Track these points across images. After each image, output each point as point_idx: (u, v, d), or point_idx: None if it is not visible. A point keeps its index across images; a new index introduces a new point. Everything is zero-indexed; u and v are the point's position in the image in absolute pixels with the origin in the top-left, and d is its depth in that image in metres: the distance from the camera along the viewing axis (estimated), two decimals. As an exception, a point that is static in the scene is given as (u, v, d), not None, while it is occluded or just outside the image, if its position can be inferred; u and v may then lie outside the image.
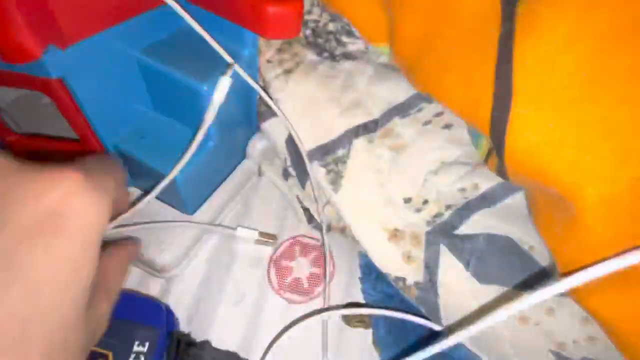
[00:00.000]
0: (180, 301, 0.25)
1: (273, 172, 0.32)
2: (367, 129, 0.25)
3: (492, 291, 0.21)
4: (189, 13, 0.19)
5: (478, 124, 0.18)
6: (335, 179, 0.24)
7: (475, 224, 0.21)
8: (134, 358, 0.19)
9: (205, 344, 0.23)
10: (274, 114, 0.29)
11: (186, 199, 0.25)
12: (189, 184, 0.24)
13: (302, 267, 0.28)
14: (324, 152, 0.25)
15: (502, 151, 0.17)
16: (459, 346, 0.21)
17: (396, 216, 0.23)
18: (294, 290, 0.26)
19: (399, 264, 0.22)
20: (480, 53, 0.17)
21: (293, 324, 0.24)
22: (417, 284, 0.22)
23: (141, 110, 0.25)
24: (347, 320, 0.25)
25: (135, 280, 0.26)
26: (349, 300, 0.26)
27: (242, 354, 0.23)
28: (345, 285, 0.27)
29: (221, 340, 0.23)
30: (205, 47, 0.20)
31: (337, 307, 0.26)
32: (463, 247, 0.21)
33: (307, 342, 0.24)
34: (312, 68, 0.27)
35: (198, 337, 0.23)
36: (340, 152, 0.25)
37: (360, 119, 0.25)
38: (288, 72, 0.27)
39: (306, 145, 0.26)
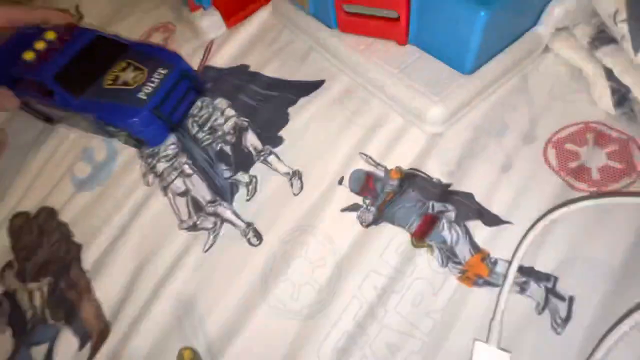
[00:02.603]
0: (440, 157, 0.25)
1: (567, 45, 0.26)
2: None
3: None
4: None
5: None
6: None
7: None
8: (157, 75, 0.28)
9: (470, 195, 0.23)
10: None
11: (474, 49, 0.23)
12: (490, 27, 0.22)
13: (593, 157, 0.22)
14: None
15: None
16: None
17: None
18: (578, 177, 0.22)
19: None
20: None
21: (565, 205, 0.21)
22: None
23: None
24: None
25: (397, 125, 0.26)
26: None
27: (503, 218, 0.22)
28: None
29: (484, 196, 0.23)
30: None
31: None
32: None
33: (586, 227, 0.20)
34: None
35: (459, 189, 0.23)
36: None
37: None
38: None
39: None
